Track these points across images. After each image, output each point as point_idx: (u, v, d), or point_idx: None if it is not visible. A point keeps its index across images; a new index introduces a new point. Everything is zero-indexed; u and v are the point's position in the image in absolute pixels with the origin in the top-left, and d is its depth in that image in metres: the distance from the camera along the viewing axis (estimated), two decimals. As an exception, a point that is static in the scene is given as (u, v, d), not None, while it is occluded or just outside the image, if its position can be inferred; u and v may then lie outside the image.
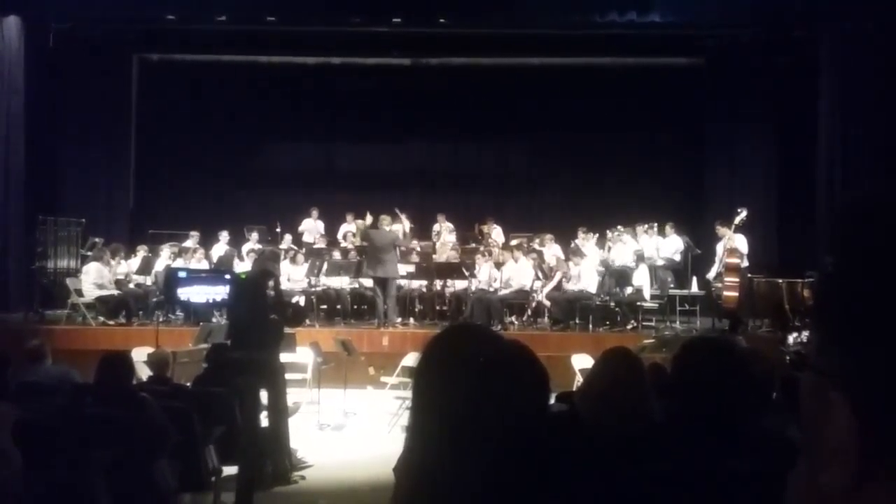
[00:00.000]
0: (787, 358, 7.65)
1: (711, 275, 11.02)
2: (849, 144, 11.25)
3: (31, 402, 4.58)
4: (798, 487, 0.53)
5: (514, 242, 12.52)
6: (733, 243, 10.61)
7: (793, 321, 10.23)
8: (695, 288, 11.70)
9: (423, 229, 13.36)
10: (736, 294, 10.41)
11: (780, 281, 10.68)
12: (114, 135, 13.70)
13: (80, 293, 10.83)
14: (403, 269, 11.31)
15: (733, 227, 10.68)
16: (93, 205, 13.04)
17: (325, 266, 11.57)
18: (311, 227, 13.45)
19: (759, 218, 12.01)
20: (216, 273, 9.61)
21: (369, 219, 11.88)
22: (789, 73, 12.58)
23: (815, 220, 11.83)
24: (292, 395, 7.27)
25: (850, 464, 0.49)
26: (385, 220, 11.21)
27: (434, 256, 12.19)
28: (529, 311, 11.28)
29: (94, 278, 10.78)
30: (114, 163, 13.74)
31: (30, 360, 5.73)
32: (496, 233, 13.14)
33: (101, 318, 10.67)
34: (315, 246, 12.72)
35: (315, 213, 13.56)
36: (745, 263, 10.73)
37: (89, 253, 11.70)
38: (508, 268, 11.13)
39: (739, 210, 10.74)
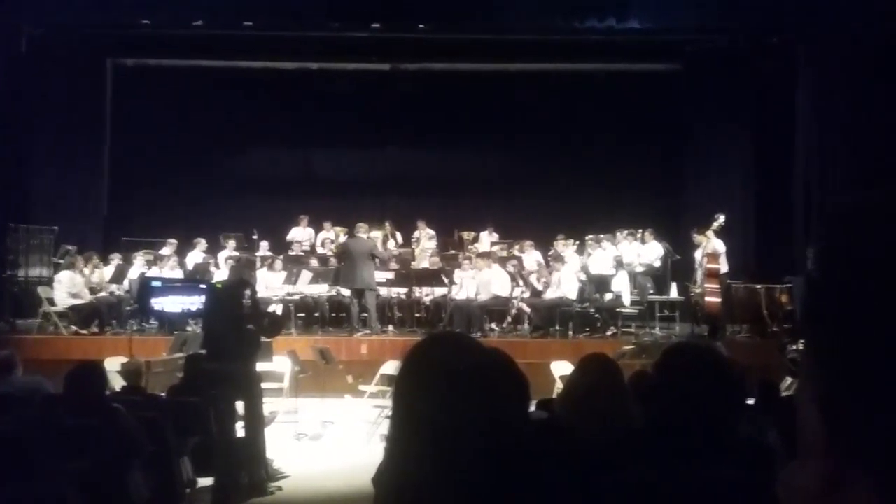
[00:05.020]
0: (788, 364, 7.77)
1: (698, 284, 11.02)
2: (826, 150, 11.40)
3: (1, 413, 4.48)
4: (785, 489, 0.53)
5: (494, 248, 12.54)
6: (712, 248, 10.68)
7: (771, 326, 10.34)
8: (674, 294, 11.77)
9: (402, 236, 13.35)
10: (717, 300, 10.47)
11: (759, 287, 10.78)
12: (87, 141, 13.53)
13: (52, 302, 10.66)
14: (382, 276, 11.24)
15: (711, 231, 10.75)
16: (65, 212, 12.84)
17: (302, 274, 11.48)
18: (301, 235, 13.37)
19: (737, 224, 12.11)
20: (191, 282, 9.50)
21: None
22: (767, 79, 12.73)
23: (793, 225, 11.96)
24: (269, 405, 7.19)
25: (821, 465, 0.50)
26: (362, 227, 11.14)
27: (413, 263, 12.15)
28: (509, 318, 11.27)
29: (67, 287, 10.61)
30: (87, 169, 13.57)
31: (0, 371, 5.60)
32: (485, 238, 13.15)
33: (74, 328, 10.50)
34: (291, 253, 12.62)
35: (304, 220, 13.49)
36: (725, 269, 10.80)
37: (62, 261, 11.52)
38: (483, 275, 11.08)
39: (717, 215, 10.82)
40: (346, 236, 12.04)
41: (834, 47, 11.08)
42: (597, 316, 11.06)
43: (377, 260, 10.92)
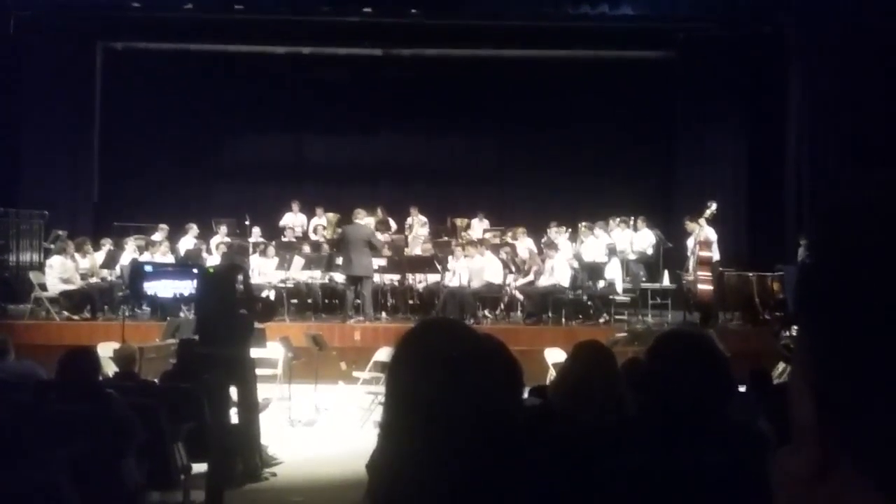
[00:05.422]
0: (782, 351, 7.82)
1: (690, 271, 11.05)
2: (818, 139, 11.43)
3: (-7, 399, 4.47)
4: (778, 474, 0.54)
5: (486, 235, 12.55)
6: (704, 235, 10.71)
7: (762, 314, 10.40)
8: (666, 281, 11.81)
9: (394, 222, 13.34)
10: (710, 287, 10.51)
11: (751, 274, 10.83)
12: (77, 125, 13.44)
13: (43, 287, 10.61)
14: (375, 262, 11.23)
15: (704, 219, 10.78)
16: (56, 197, 12.79)
17: (295, 260, 11.47)
18: (293, 221, 13.35)
19: (729, 212, 12.16)
20: (183, 267, 9.47)
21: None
22: (759, 67, 12.75)
23: (785, 213, 12.00)
24: (262, 391, 7.19)
25: (812, 452, 0.50)
26: (360, 213, 11.13)
27: (406, 250, 12.14)
28: (502, 306, 11.29)
29: (59, 272, 10.57)
30: (78, 154, 13.48)
31: (-9, 356, 5.58)
32: (476, 225, 13.16)
33: (66, 313, 10.48)
34: (284, 239, 12.61)
35: (296, 206, 13.46)
36: (717, 256, 10.84)
37: (52, 246, 11.48)
38: (476, 262, 11.08)
39: (709, 203, 10.85)
40: (339, 223, 12.02)
41: (826, 35, 11.09)
42: (589, 303, 11.09)
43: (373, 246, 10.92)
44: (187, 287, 7.34)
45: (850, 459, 0.49)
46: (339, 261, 11.22)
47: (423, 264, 11.42)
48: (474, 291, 10.90)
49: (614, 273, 11.12)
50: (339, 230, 12.00)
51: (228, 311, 6.27)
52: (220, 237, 12.27)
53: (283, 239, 12.60)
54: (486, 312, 11.24)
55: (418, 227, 13.09)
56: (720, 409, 1.96)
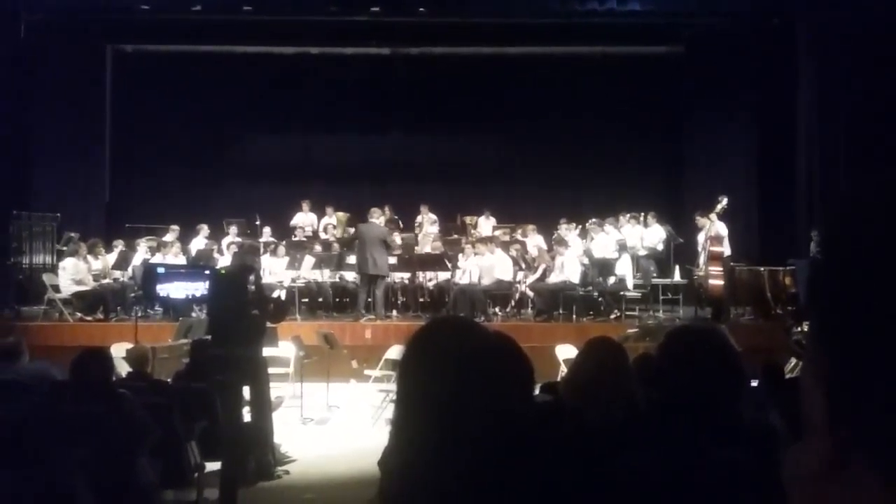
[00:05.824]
0: (793, 346, 7.78)
1: (701, 267, 11.02)
2: (828, 132, 11.35)
3: (8, 400, 4.50)
4: (789, 469, 0.54)
5: (496, 233, 12.54)
6: (715, 231, 10.67)
7: (774, 309, 10.35)
8: (677, 277, 11.77)
9: (404, 220, 13.34)
10: (721, 282, 10.47)
11: (762, 269, 10.79)
12: (88, 127, 13.52)
13: (56, 289, 10.69)
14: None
15: (715, 214, 10.73)
16: (68, 199, 12.87)
17: (305, 259, 11.50)
18: (304, 220, 13.39)
19: (740, 206, 12.10)
20: (195, 268, 9.52)
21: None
22: (768, 61, 12.67)
23: (796, 208, 11.94)
24: (275, 390, 7.23)
25: (824, 447, 0.51)
26: (375, 212, 11.17)
27: (416, 248, 12.16)
28: (513, 303, 11.29)
29: (71, 274, 10.65)
30: (89, 156, 13.57)
31: (6, 358, 5.62)
32: (483, 223, 13.14)
33: (79, 314, 10.55)
34: (294, 239, 12.65)
35: (307, 205, 13.50)
36: (728, 252, 10.80)
37: (65, 248, 11.56)
38: (486, 260, 11.08)
39: (720, 198, 10.80)
40: (350, 222, 12.02)
41: (836, 29, 11.01)
42: (600, 299, 11.07)
43: (388, 246, 10.93)
44: (199, 288, 7.36)
45: (862, 455, 0.49)
46: (352, 259, 11.24)
47: (434, 262, 11.43)
48: (484, 289, 10.90)
49: (625, 269, 11.09)
50: (353, 229, 12.03)
51: (240, 311, 6.29)
52: (231, 237, 12.31)
53: (294, 238, 12.64)
54: (497, 310, 11.24)
55: (428, 225, 13.10)
56: (732, 404, 1.96)
